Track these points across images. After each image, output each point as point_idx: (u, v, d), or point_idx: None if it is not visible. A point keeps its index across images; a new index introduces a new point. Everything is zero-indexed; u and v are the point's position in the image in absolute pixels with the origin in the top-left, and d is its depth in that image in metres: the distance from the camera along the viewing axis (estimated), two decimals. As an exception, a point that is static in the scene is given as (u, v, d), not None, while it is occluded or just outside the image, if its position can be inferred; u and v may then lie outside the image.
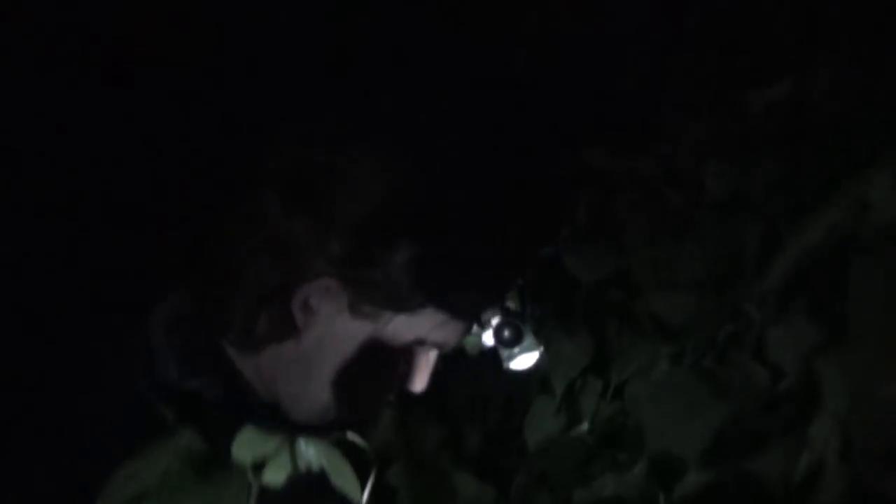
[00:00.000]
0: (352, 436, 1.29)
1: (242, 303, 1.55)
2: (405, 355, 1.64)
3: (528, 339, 1.82)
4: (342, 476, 1.25)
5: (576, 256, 2.06)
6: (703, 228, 2.03)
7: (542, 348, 1.82)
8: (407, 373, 1.66)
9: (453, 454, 2.22)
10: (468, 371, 2.15)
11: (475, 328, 1.79)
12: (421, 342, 1.60)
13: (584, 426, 1.98)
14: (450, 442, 2.22)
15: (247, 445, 1.25)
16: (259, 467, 1.20)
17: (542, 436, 2.02)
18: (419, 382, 1.69)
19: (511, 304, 1.83)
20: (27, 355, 2.10)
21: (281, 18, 1.96)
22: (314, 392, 1.61)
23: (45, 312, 2.10)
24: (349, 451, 1.55)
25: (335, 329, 1.54)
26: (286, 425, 1.62)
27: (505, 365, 1.81)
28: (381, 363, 1.61)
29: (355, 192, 1.47)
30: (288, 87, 1.62)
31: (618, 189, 2.15)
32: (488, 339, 1.80)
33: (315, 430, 1.54)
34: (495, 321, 1.79)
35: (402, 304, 1.53)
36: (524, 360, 1.83)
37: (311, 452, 1.24)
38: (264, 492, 1.20)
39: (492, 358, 1.81)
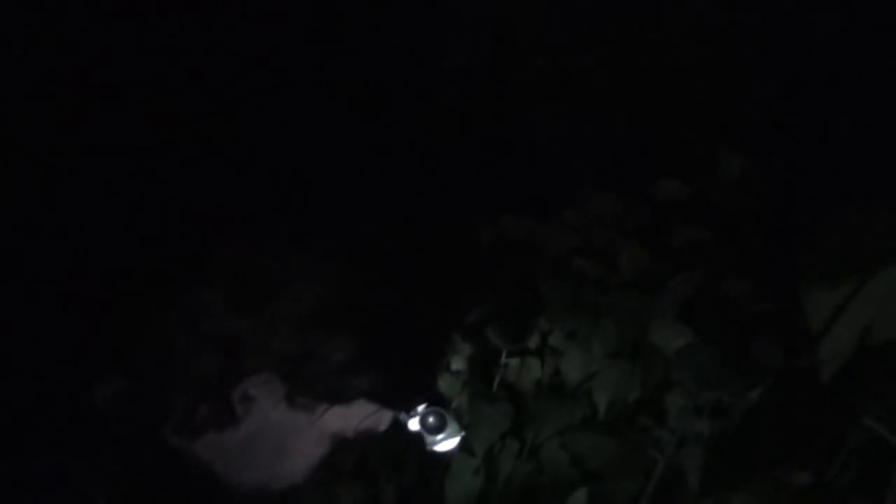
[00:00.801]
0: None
1: (183, 393, 1.62)
2: (336, 438, 1.73)
3: (452, 426, 1.92)
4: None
5: (497, 326, 2.17)
6: (617, 302, 2.17)
7: (463, 433, 1.93)
8: (336, 453, 1.75)
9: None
10: (385, 432, 2.25)
11: (402, 415, 1.88)
12: (352, 430, 1.69)
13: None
14: (369, 499, 2.32)
15: None
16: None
17: (462, 492, 2.14)
18: (347, 463, 1.78)
19: (440, 387, 1.93)
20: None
21: (236, 123, 2.00)
22: (251, 475, 1.69)
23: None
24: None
25: (272, 418, 1.62)
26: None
27: (429, 448, 1.91)
28: (313, 447, 1.70)
29: (297, 293, 1.56)
30: (232, 190, 1.68)
31: (537, 259, 2.27)
32: (413, 425, 1.90)
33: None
34: (421, 408, 1.89)
35: (337, 397, 1.62)
36: (447, 444, 1.94)
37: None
38: None
39: (416, 442, 1.90)
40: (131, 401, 1.66)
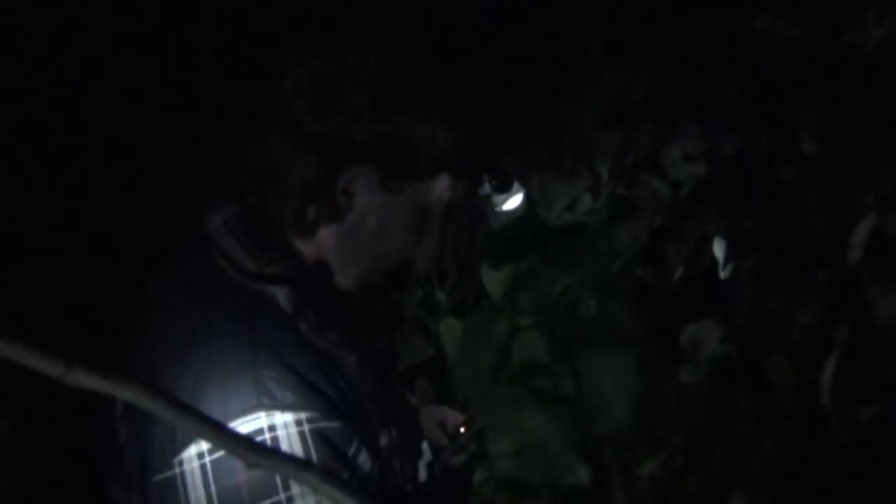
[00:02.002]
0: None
1: (292, 197, 1.83)
2: (427, 219, 1.94)
3: (516, 187, 2.18)
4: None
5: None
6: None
7: (523, 193, 2.20)
8: (428, 233, 1.97)
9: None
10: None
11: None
12: (438, 203, 1.91)
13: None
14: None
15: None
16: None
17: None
18: (433, 239, 2.00)
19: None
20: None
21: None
22: (361, 261, 1.92)
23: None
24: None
25: (372, 205, 1.84)
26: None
27: (498, 208, 2.17)
28: (407, 221, 1.91)
29: (375, 88, 1.75)
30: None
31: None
32: (484, 189, 2.15)
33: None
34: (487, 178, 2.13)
35: (420, 173, 1.83)
36: (512, 203, 2.20)
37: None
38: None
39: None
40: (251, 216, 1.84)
